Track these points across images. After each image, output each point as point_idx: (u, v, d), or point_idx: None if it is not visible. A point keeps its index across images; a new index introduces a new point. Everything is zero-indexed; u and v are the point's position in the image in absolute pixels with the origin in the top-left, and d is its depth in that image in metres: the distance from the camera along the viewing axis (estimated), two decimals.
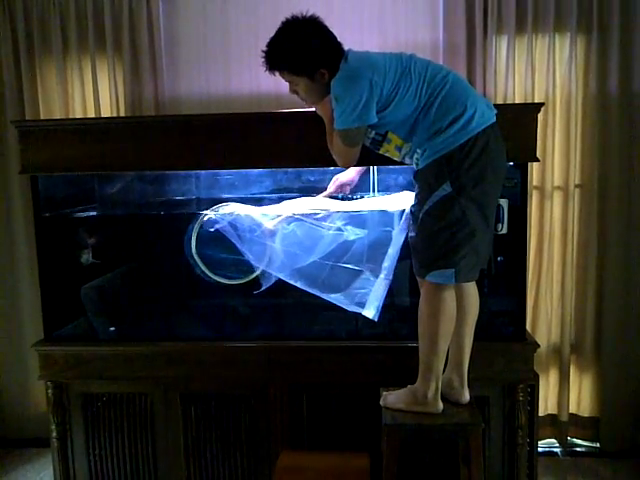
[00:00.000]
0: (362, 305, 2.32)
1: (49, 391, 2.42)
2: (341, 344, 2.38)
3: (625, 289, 3.04)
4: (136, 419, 2.44)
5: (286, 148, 2.27)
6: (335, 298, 2.32)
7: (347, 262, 2.37)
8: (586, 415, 3.21)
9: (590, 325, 3.11)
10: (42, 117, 3.17)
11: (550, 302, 3.11)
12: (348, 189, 2.49)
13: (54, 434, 2.44)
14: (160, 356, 2.39)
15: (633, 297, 3.05)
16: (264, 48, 2.03)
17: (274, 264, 2.37)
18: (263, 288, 2.41)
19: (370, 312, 2.30)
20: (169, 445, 2.43)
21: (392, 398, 2.06)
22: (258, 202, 2.50)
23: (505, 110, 2.01)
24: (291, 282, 2.36)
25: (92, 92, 3.15)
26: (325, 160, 2.19)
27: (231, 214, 2.41)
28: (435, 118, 1.90)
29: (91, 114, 3.17)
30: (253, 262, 2.40)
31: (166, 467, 2.45)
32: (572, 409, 3.20)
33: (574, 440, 3.23)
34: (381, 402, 2.07)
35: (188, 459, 2.44)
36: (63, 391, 2.43)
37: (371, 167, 2.52)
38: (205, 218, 2.44)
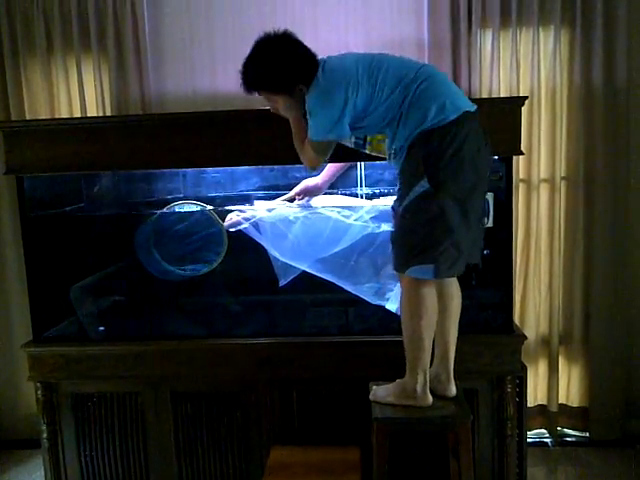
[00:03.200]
0: (386, 299, 2.33)
1: (39, 392, 2.41)
2: (330, 339, 2.39)
3: (612, 280, 3.07)
4: (126, 418, 2.44)
5: (274, 145, 2.27)
6: (358, 290, 2.33)
7: (373, 255, 2.39)
8: (575, 405, 3.24)
9: (578, 316, 3.14)
10: (27, 117, 3.15)
11: (538, 294, 3.13)
12: (311, 197, 2.49)
13: (45, 435, 2.43)
14: (150, 355, 2.39)
15: (620, 287, 3.08)
16: (240, 69, 2.06)
17: (298, 256, 2.37)
18: (287, 281, 2.41)
19: (394, 306, 2.31)
20: (160, 443, 2.44)
21: (382, 392, 2.07)
22: (246, 199, 2.51)
23: (489, 104, 2.04)
24: (315, 273, 2.37)
25: (78, 91, 3.14)
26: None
27: (252, 217, 2.43)
28: (410, 116, 1.92)
29: (77, 114, 3.16)
30: (280, 257, 2.41)
31: (157, 465, 2.45)
32: (561, 399, 3.23)
33: (564, 430, 3.26)
34: (371, 396, 2.08)
35: (179, 457, 2.44)
36: (53, 391, 2.43)
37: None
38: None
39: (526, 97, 2.22)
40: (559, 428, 3.23)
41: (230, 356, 2.38)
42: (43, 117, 3.14)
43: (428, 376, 1.99)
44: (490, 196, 2.19)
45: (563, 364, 3.21)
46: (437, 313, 1.97)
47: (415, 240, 1.91)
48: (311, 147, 2.06)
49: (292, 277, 2.43)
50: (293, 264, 2.41)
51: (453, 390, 2.06)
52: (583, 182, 3.04)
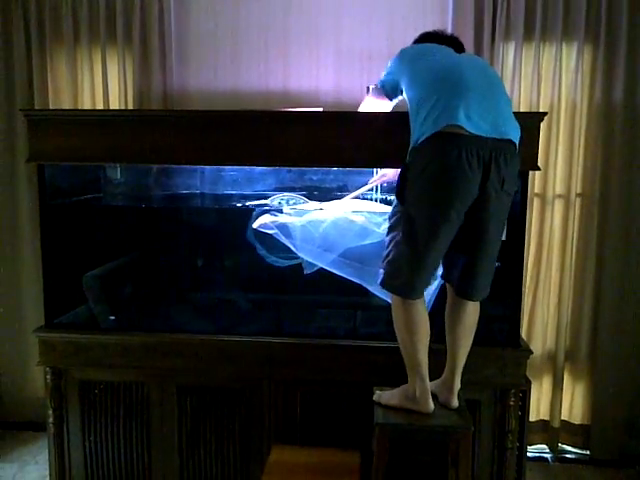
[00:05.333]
0: None
1: (48, 377, 2.45)
2: (337, 342, 2.40)
3: (622, 299, 3.07)
4: (132, 408, 2.47)
5: (292, 147, 2.29)
6: (379, 290, 2.32)
7: None
8: (577, 422, 3.24)
9: (585, 333, 3.14)
10: (51, 106, 3.20)
11: (547, 309, 3.14)
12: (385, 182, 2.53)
13: (51, 419, 2.47)
14: (158, 347, 2.42)
15: (629, 307, 3.08)
16: None
17: (324, 256, 2.39)
18: (312, 270, 2.42)
19: None
20: (163, 434, 2.46)
21: (386, 395, 2.11)
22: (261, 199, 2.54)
23: None
24: (336, 271, 2.38)
25: (101, 83, 3.18)
26: (330, 160, 2.27)
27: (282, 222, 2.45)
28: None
29: (99, 105, 3.20)
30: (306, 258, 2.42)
31: (160, 456, 2.48)
32: (564, 416, 3.23)
33: (564, 447, 3.26)
34: (375, 397, 2.12)
35: (181, 449, 2.47)
36: (61, 377, 2.46)
37: None
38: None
39: (546, 113, 2.24)
40: (560, 444, 3.24)
41: (237, 353, 2.40)
42: (66, 106, 3.19)
43: (427, 384, 2.02)
44: None
45: (567, 381, 3.21)
46: (425, 325, 1.99)
47: (386, 257, 2.00)
48: None
49: (316, 268, 2.43)
50: (319, 264, 2.42)
51: (455, 403, 2.07)
52: (598, 200, 3.04)
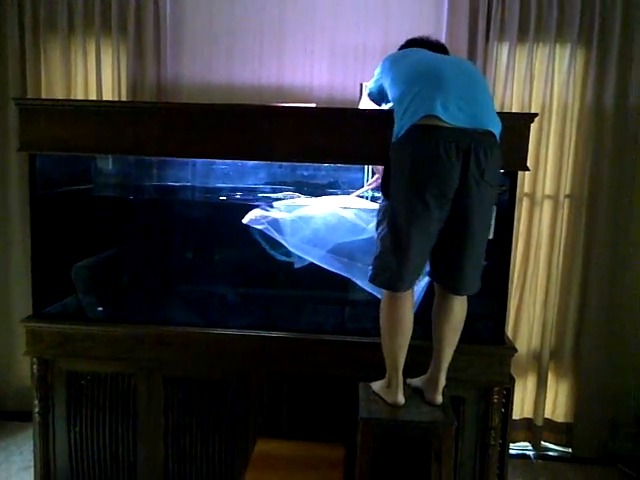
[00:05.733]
0: None
1: (34, 367, 2.44)
2: (324, 337, 2.42)
3: (608, 299, 3.10)
4: (118, 399, 2.47)
5: (283, 142, 2.30)
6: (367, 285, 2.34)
7: None
8: (560, 421, 3.28)
9: (570, 333, 3.17)
10: (44, 96, 3.19)
11: (533, 308, 3.17)
12: None
13: (37, 409, 2.46)
14: (146, 338, 2.42)
15: (615, 308, 3.12)
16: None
17: (314, 252, 2.41)
18: (302, 265, 2.45)
19: None
20: (149, 426, 2.47)
21: (375, 383, 2.16)
22: (252, 193, 2.54)
23: (500, 118, 2.03)
24: (326, 266, 2.40)
25: (95, 74, 3.18)
26: (322, 156, 2.29)
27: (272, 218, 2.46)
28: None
29: (92, 96, 3.20)
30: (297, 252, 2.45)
31: (145, 447, 2.48)
32: (547, 414, 3.27)
33: (547, 445, 3.30)
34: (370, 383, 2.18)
35: (167, 440, 2.47)
36: (48, 368, 2.46)
37: None
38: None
39: (536, 114, 2.25)
40: (543, 442, 3.27)
41: (225, 346, 2.41)
42: (59, 96, 3.18)
43: (400, 378, 2.06)
44: (493, 208, 2.22)
45: (551, 379, 3.24)
46: (408, 323, 2.03)
47: (375, 253, 2.05)
48: None
49: (306, 263, 2.46)
50: (309, 258, 2.44)
51: (439, 399, 2.08)
52: (586, 201, 3.07)
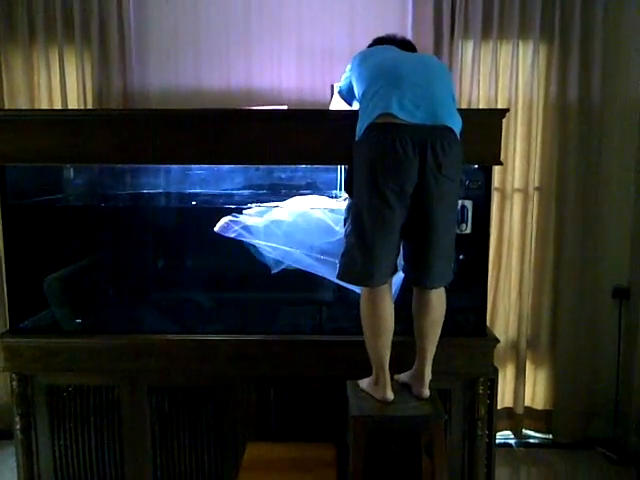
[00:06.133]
0: None
1: (14, 383, 2.39)
2: (307, 338, 2.43)
3: (580, 287, 3.18)
4: (102, 411, 2.43)
5: (255, 145, 2.30)
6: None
7: None
8: (540, 408, 3.35)
9: (546, 322, 3.24)
10: (6, 107, 3.11)
11: (508, 299, 3.23)
12: None
13: (18, 426, 2.41)
14: (127, 348, 2.39)
15: (587, 296, 3.19)
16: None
17: (288, 254, 2.43)
18: (278, 269, 2.46)
19: None
20: (136, 437, 2.43)
21: (363, 381, 2.18)
22: (229, 197, 2.53)
23: (471, 114, 2.09)
24: (302, 267, 2.43)
25: (59, 83, 3.12)
26: (291, 158, 2.33)
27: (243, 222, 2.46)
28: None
29: (57, 105, 3.14)
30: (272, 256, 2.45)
31: (132, 458, 2.44)
32: (527, 402, 3.33)
33: (528, 432, 3.36)
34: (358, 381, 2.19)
35: (155, 451, 2.44)
36: (28, 383, 2.41)
37: None
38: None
39: (507, 110, 2.32)
40: (524, 430, 3.33)
41: (208, 352, 2.39)
42: (23, 107, 3.11)
43: (387, 375, 2.08)
44: (469, 203, 2.26)
45: (529, 368, 3.31)
46: (389, 318, 2.06)
47: (342, 250, 2.11)
48: None
49: (282, 267, 2.47)
50: (284, 261, 2.45)
51: (426, 393, 2.11)
52: (555, 193, 3.14)
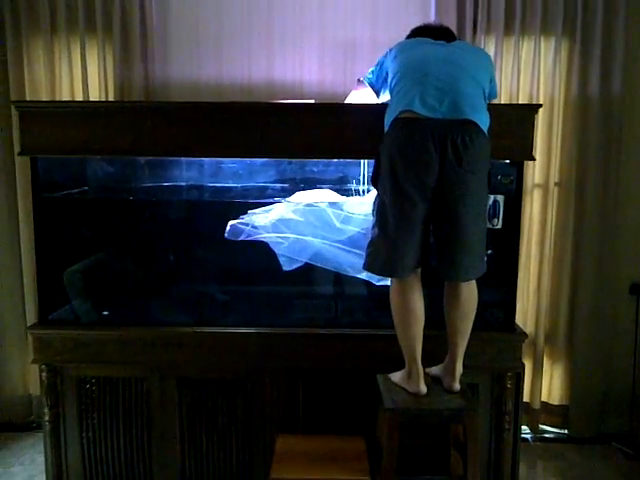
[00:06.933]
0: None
1: (43, 374, 2.39)
2: (337, 332, 2.44)
3: (598, 283, 3.19)
4: (131, 403, 2.44)
5: (289, 139, 2.32)
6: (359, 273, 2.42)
7: None
8: (556, 403, 3.36)
9: (563, 318, 3.25)
10: (28, 98, 3.10)
11: (526, 294, 3.24)
12: None
13: (47, 417, 2.42)
14: (157, 341, 2.40)
15: (605, 292, 3.20)
16: None
17: (300, 251, 2.44)
18: (291, 268, 2.48)
19: None
20: (164, 429, 2.45)
21: (395, 374, 2.21)
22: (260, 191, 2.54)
23: (505, 110, 2.09)
24: (318, 264, 2.46)
25: (80, 75, 3.10)
26: (317, 152, 2.36)
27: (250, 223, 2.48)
28: None
29: (79, 96, 3.12)
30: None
31: (161, 451, 2.46)
32: (543, 397, 3.35)
33: (544, 427, 3.38)
34: (390, 375, 2.21)
35: (183, 443, 2.46)
36: (57, 374, 2.41)
37: None
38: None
39: (540, 105, 2.33)
40: (539, 425, 3.35)
41: (237, 344, 2.40)
42: (44, 98, 3.10)
43: (420, 367, 2.09)
44: (501, 198, 2.27)
45: (546, 363, 3.32)
46: (419, 310, 2.08)
47: (368, 241, 2.15)
48: None
49: (296, 266, 2.49)
50: (296, 258, 2.46)
51: (456, 386, 2.13)
52: (575, 189, 3.15)
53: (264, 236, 2.48)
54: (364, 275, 2.42)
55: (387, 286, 2.21)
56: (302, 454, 2.20)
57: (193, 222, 2.74)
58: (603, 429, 3.31)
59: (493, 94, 2.21)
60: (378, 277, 2.31)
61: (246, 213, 2.51)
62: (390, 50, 2.23)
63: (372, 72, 2.34)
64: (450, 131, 1.94)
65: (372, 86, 2.37)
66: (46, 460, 2.46)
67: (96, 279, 2.68)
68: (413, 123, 1.97)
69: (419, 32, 2.33)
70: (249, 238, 2.47)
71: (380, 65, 2.28)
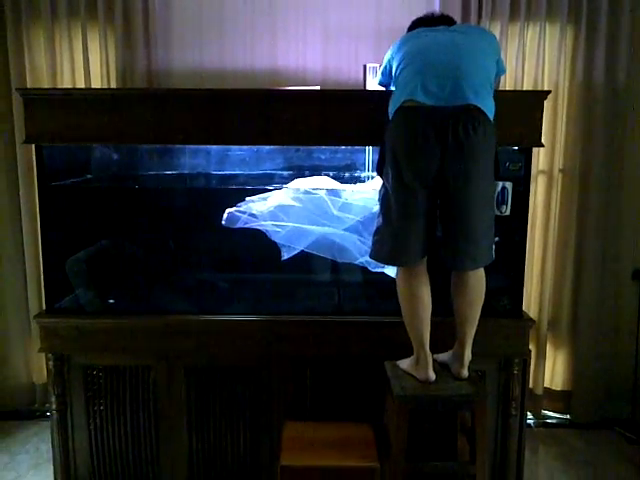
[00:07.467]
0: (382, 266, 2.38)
1: (50, 363, 2.39)
2: (343, 319, 2.44)
3: (601, 270, 3.21)
4: (138, 392, 2.44)
5: (294, 126, 2.30)
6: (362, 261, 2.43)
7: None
8: (559, 389, 3.38)
9: (567, 303, 3.27)
10: (29, 86, 3.07)
11: (530, 280, 3.24)
12: None
13: (54, 406, 2.41)
14: (164, 329, 2.40)
15: (608, 278, 3.22)
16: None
17: (297, 239, 2.42)
18: (289, 256, 2.47)
19: (393, 271, 2.36)
20: (171, 417, 2.44)
21: (402, 361, 2.22)
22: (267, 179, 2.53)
23: (513, 96, 2.08)
24: (315, 252, 2.47)
25: (82, 61, 3.07)
26: (321, 139, 2.35)
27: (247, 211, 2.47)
28: None
29: (80, 84, 3.10)
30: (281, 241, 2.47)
31: (168, 439, 2.46)
32: (546, 383, 3.37)
33: (546, 412, 3.40)
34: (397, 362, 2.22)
35: (190, 431, 2.46)
36: (64, 363, 2.41)
37: None
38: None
39: (549, 91, 2.31)
40: (542, 411, 3.37)
41: (244, 332, 2.40)
42: (45, 85, 3.07)
43: (428, 354, 2.10)
44: (509, 185, 2.27)
45: (549, 349, 3.34)
46: (426, 297, 2.08)
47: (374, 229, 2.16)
48: None
49: (294, 253, 2.49)
50: (293, 246, 2.47)
51: (465, 373, 2.14)
52: (579, 175, 3.15)
53: (261, 224, 2.46)
54: (360, 262, 2.45)
55: (382, 273, 2.23)
56: (310, 441, 2.20)
57: (198, 210, 2.73)
58: (605, 414, 3.33)
59: (501, 71, 2.19)
60: (374, 264, 2.31)
61: (244, 200, 2.50)
62: (393, 45, 2.23)
63: (381, 73, 2.33)
64: (452, 118, 1.92)
65: (383, 85, 2.36)
66: (53, 448, 2.46)
67: (99, 267, 2.67)
68: (415, 111, 1.98)
69: (419, 23, 2.31)
70: (246, 226, 2.45)
71: (386, 62, 2.27)
